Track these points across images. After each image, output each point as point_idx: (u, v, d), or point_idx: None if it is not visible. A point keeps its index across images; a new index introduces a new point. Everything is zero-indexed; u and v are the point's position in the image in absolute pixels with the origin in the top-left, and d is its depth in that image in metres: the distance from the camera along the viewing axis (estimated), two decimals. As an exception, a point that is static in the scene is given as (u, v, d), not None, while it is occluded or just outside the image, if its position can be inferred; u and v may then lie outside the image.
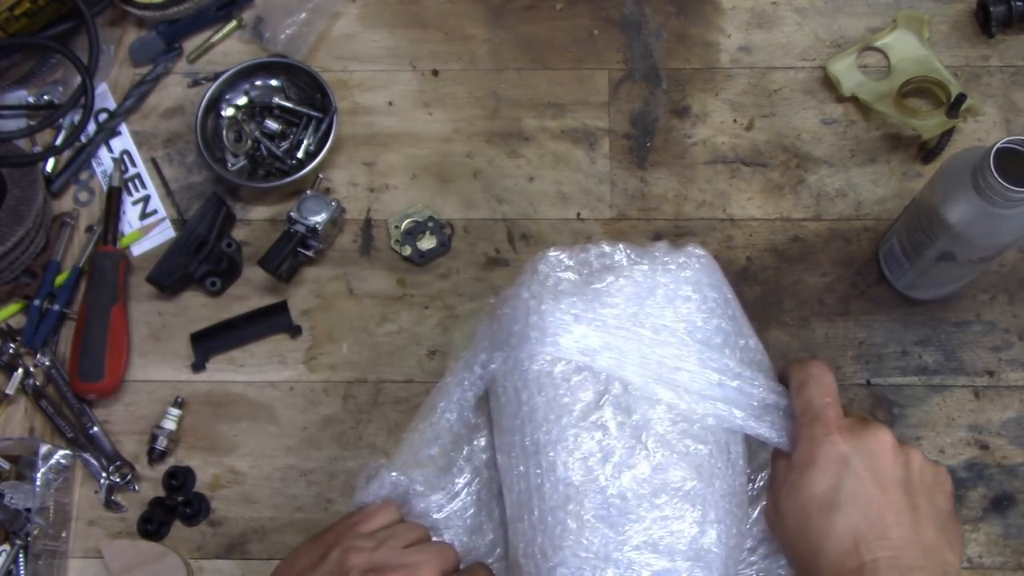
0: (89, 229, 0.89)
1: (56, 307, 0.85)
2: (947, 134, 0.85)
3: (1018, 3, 0.87)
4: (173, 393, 0.83)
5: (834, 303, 0.83)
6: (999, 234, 0.68)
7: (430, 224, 0.86)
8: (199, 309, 0.86)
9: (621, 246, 0.67)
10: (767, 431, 0.63)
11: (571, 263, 0.66)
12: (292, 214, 0.83)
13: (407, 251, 0.86)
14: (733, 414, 0.62)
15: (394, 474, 0.65)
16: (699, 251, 0.67)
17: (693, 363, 0.62)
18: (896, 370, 0.81)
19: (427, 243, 0.86)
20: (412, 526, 0.64)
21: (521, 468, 0.62)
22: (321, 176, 0.88)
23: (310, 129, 0.89)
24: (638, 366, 0.61)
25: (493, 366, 0.65)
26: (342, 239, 0.87)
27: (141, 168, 0.91)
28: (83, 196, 0.90)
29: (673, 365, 0.62)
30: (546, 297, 0.63)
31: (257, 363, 0.84)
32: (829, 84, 0.89)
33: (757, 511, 0.65)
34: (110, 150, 0.91)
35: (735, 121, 0.89)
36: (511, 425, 0.63)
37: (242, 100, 0.91)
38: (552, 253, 0.66)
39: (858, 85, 0.88)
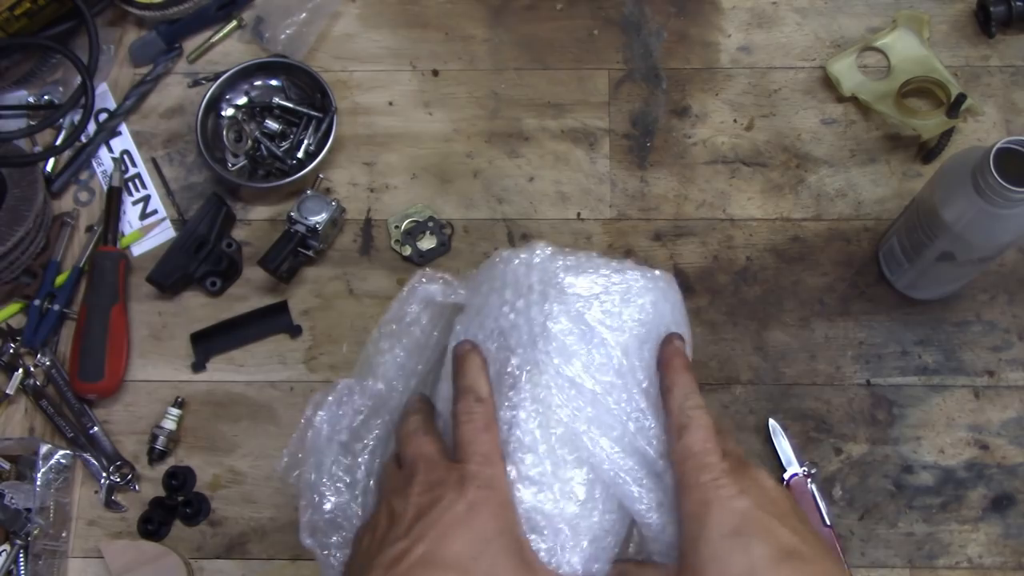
0: (89, 229, 0.89)
1: (56, 307, 0.85)
2: (947, 134, 0.85)
3: (1018, 3, 0.87)
4: (173, 393, 0.83)
5: (834, 303, 0.83)
6: (999, 234, 0.68)
7: (430, 224, 0.86)
8: (199, 309, 0.86)
9: (608, 258, 0.64)
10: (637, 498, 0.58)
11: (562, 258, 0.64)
12: (292, 214, 0.83)
13: (407, 251, 0.86)
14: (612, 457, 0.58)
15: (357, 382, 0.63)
16: (658, 273, 0.62)
17: (607, 385, 0.58)
18: (896, 370, 0.81)
19: (427, 243, 0.86)
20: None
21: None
22: (321, 176, 0.88)
23: (310, 129, 0.89)
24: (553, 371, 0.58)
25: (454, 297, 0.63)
26: (342, 239, 0.87)
27: (141, 168, 0.91)
28: (83, 196, 0.90)
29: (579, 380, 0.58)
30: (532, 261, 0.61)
31: (257, 363, 0.84)
32: (829, 84, 0.89)
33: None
34: (110, 150, 0.91)
35: (735, 121, 0.89)
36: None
37: (242, 100, 0.91)
38: (542, 243, 0.64)
39: (858, 85, 0.88)
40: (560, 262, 0.59)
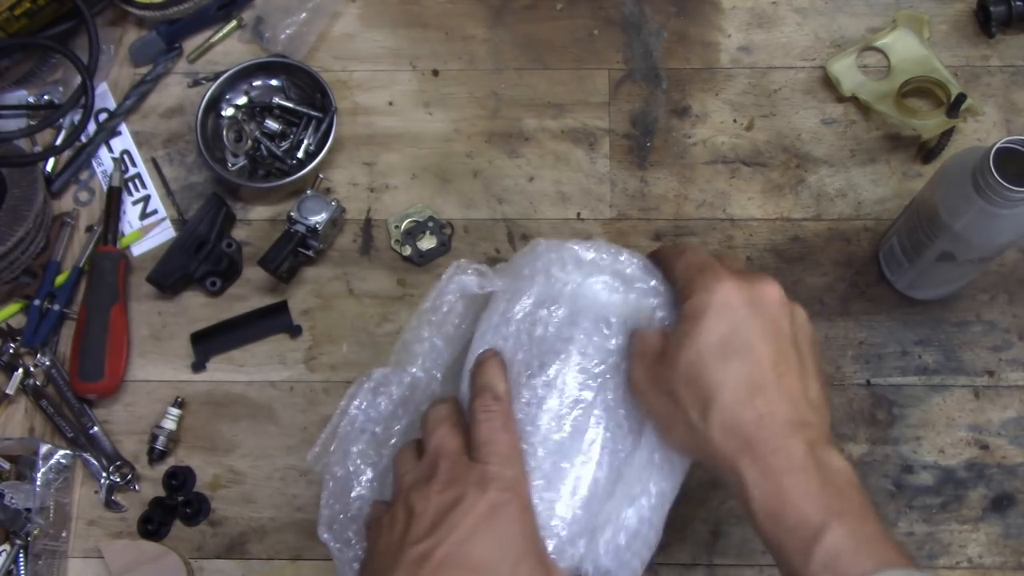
0: (89, 229, 0.89)
1: (56, 307, 0.85)
2: (947, 134, 0.85)
3: (1018, 3, 0.87)
4: (173, 393, 0.83)
5: (834, 303, 0.83)
6: (999, 234, 0.68)
7: (430, 224, 0.86)
8: (199, 309, 0.86)
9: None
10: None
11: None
12: (292, 214, 0.83)
13: (407, 251, 0.86)
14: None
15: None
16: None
17: None
18: (896, 370, 0.81)
19: (427, 243, 0.86)
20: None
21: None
22: (321, 176, 0.88)
23: (310, 129, 0.89)
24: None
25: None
26: (342, 239, 0.87)
27: (141, 168, 0.91)
28: (83, 196, 0.90)
29: None
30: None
31: (257, 363, 0.84)
32: (829, 84, 0.89)
33: None
34: (110, 150, 0.91)
35: (735, 121, 0.89)
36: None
37: (242, 100, 0.91)
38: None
39: (858, 85, 0.88)
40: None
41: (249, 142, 0.89)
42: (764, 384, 0.54)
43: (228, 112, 0.90)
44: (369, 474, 0.62)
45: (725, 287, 0.55)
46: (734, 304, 0.55)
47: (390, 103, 0.91)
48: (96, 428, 0.83)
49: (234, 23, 0.93)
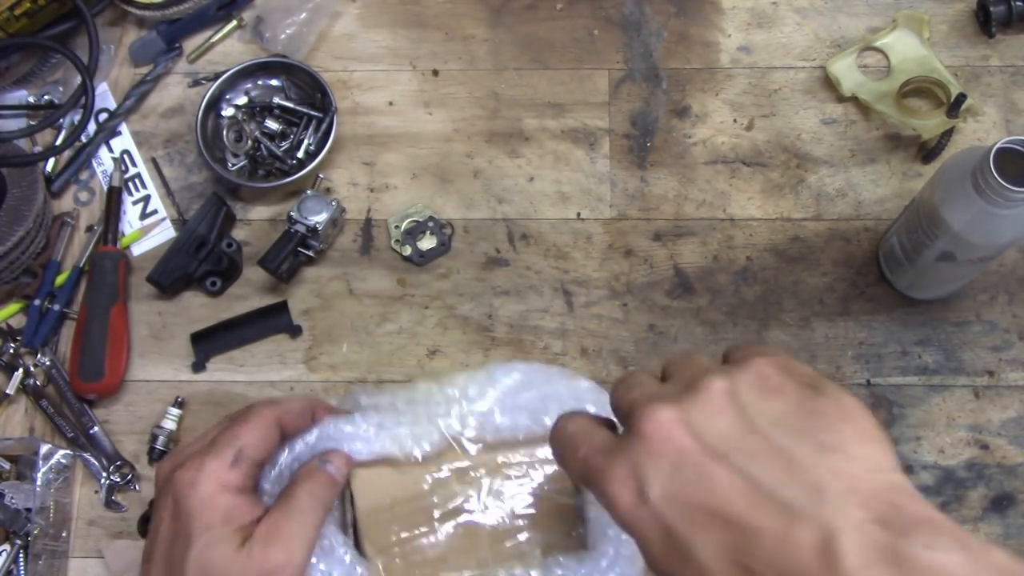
0: (89, 229, 0.89)
1: (56, 307, 0.85)
2: (947, 134, 0.85)
3: (1018, 3, 0.87)
4: (173, 393, 0.83)
5: (834, 303, 0.83)
6: (999, 234, 0.69)
7: (430, 224, 0.86)
8: (199, 309, 0.86)
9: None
10: None
11: None
12: (292, 214, 0.83)
13: (407, 251, 0.86)
14: None
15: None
16: None
17: None
18: (896, 370, 0.81)
19: (427, 243, 0.86)
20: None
21: None
22: (321, 176, 0.88)
23: (310, 129, 0.89)
24: None
25: None
26: (342, 239, 0.87)
27: (141, 168, 0.91)
28: (83, 196, 0.90)
29: None
30: None
31: (257, 363, 0.84)
32: (829, 84, 0.89)
33: None
34: (110, 150, 0.91)
35: (735, 121, 0.89)
36: None
37: (242, 100, 0.91)
38: None
39: (858, 85, 0.88)
40: None
41: (249, 142, 0.89)
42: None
43: (228, 112, 0.90)
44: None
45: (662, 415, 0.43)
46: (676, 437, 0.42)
47: (390, 103, 0.91)
48: (96, 428, 0.83)
49: (234, 23, 0.93)
